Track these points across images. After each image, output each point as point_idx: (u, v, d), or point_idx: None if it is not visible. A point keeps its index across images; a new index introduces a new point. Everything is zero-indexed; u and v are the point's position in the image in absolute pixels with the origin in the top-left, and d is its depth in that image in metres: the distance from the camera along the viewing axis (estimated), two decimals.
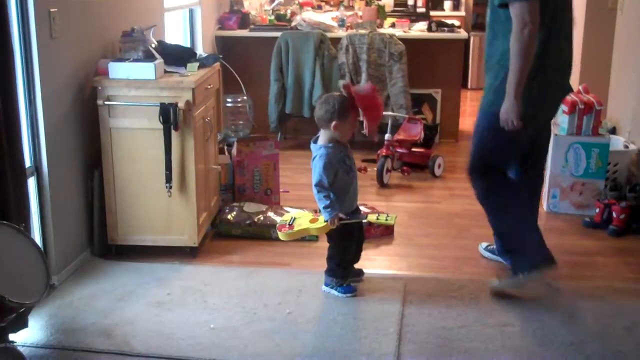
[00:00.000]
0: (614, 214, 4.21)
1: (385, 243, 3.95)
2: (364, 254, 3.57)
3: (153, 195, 3.72)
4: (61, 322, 3.13)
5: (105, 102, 3.60)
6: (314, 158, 3.27)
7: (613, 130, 5.08)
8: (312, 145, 3.30)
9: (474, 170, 3.51)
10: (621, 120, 5.12)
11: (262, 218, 4.19)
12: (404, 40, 5.84)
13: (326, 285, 3.41)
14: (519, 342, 2.99)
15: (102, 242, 3.82)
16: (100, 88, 3.61)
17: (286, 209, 4.33)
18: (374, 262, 3.80)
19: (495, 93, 3.26)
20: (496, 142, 3.36)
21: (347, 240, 3.34)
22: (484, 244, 3.90)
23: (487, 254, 3.86)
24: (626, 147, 4.78)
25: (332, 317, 3.19)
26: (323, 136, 3.28)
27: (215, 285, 3.50)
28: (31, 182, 3.33)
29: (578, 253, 3.98)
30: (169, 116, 3.55)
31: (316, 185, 3.24)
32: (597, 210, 4.32)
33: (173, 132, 3.60)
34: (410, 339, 3.01)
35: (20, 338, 2.95)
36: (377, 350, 2.91)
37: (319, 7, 7.49)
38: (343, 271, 3.37)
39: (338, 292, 3.37)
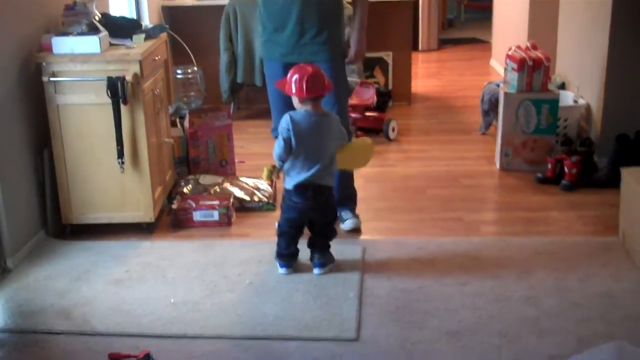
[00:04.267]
0: (566, 169, 4.28)
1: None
2: None
3: (106, 172, 3.66)
4: (18, 305, 3.09)
5: (51, 79, 3.52)
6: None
7: (562, 86, 5.15)
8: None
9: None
10: (570, 75, 5.18)
11: (218, 190, 4.16)
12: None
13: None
14: (477, 300, 3.04)
15: (57, 222, 3.76)
16: (44, 64, 3.52)
17: (242, 179, 4.31)
18: None
19: (340, 42, 3.62)
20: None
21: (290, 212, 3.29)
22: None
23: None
24: (575, 102, 4.85)
25: (293, 285, 3.20)
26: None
27: (174, 260, 3.47)
28: None
29: (532, 209, 4.05)
30: (117, 90, 3.48)
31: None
32: (549, 165, 4.38)
33: (122, 107, 3.53)
34: (370, 303, 3.04)
35: None
36: (338, 315, 2.93)
37: None
38: (279, 244, 3.34)
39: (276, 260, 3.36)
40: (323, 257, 3.32)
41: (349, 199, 3.83)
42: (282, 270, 3.30)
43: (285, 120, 3.15)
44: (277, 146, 3.17)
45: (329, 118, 3.22)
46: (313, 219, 3.31)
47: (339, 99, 3.61)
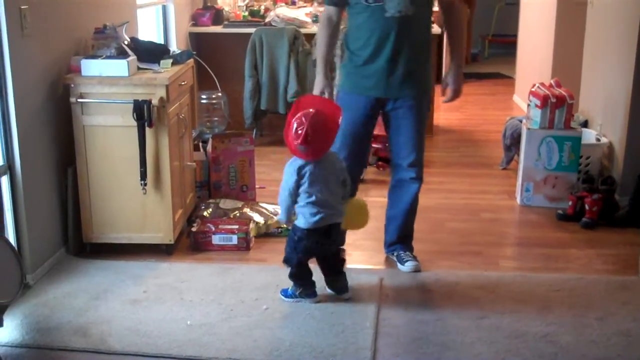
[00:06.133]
0: (587, 207, 4.26)
1: (361, 238, 3.96)
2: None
3: (128, 193, 3.70)
4: (36, 321, 3.11)
5: (78, 100, 3.58)
6: None
7: (585, 124, 5.14)
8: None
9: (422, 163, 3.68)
10: (593, 113, 5.18)
11: (238, 214, 4.19)
12: None
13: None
14: (494, 334, 3.02)
15: (77, 240, 3.79)
16: (73, 85, 3.58)
17: (262, 205, 4.33)
18: (350, 257, 3.81)
19: (428, 79, 3.55)
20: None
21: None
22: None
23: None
24: (598, 140, 4.84)
25: (309, 312, 3.20)
26: None
27: (192, 282, 3.49)
28: (4, 181, 3.31)
29: (551, 245, 4.03)
30: (143, 113, 3.54)
31: None
32: (570, 203, 4.37)
33: (147, 129, 3.58)
34: (386, 333, 3.03)
35: None
36: (353, 344, 2.92)
37: (293, 3, 7.46)
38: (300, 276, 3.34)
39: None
40: (342, 280, 3.35)
41: (408, 238, 3.76)
42: (314, 299, 3.29)
43: (296, 159, 3.15)
44: (286, 183, 3.17)
45: (330, 153, 3.21)
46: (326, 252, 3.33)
47: (421, 137, 3.56)
